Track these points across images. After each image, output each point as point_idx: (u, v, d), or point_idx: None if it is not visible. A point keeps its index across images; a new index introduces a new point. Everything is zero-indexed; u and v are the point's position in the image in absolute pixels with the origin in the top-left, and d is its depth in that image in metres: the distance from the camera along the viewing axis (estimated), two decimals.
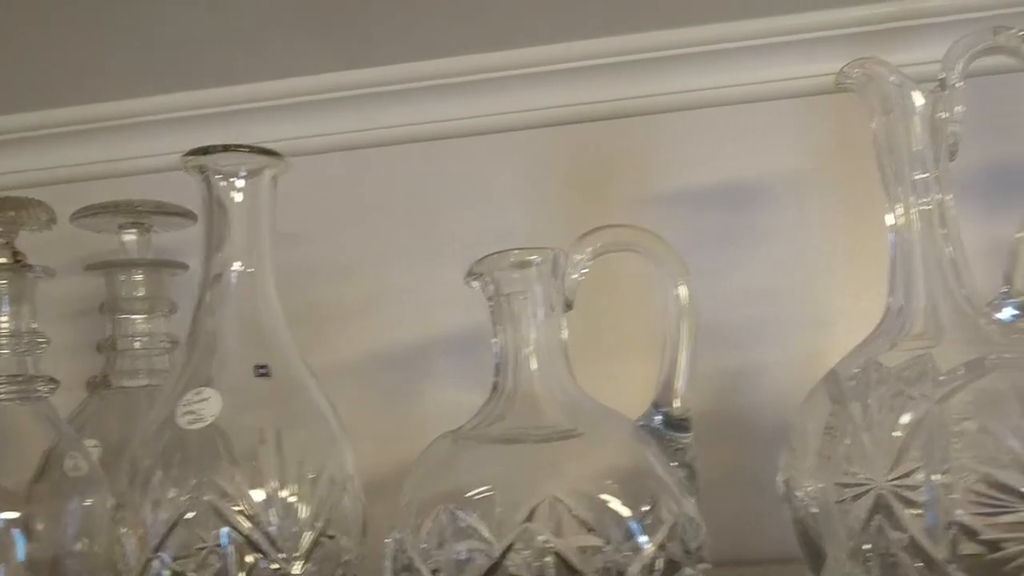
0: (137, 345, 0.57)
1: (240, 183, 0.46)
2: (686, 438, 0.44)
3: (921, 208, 0.44)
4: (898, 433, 0.38)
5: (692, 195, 0.70)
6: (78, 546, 0.47)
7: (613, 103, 0.70)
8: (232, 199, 0.46)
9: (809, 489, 0.42)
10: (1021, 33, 0.43)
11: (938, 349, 0.41)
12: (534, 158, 0.71)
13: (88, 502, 0.48)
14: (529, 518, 0.38)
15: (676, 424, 0.44)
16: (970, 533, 0.36)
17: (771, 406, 0.64)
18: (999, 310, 0.43)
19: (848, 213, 0.66)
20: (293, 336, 0.49)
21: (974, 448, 0.36)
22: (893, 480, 0.38)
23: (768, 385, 0.65)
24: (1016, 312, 0.42)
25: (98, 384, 0.57)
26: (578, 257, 0.45)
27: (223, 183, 0.46)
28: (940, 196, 0.44)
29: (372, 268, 0.70)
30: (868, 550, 0.39)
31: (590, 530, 0.38)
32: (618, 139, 0.71)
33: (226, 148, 0.45)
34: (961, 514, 0.36)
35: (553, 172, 0.70)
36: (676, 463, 0.43)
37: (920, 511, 0.37)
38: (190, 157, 0.45)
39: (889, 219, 0.45)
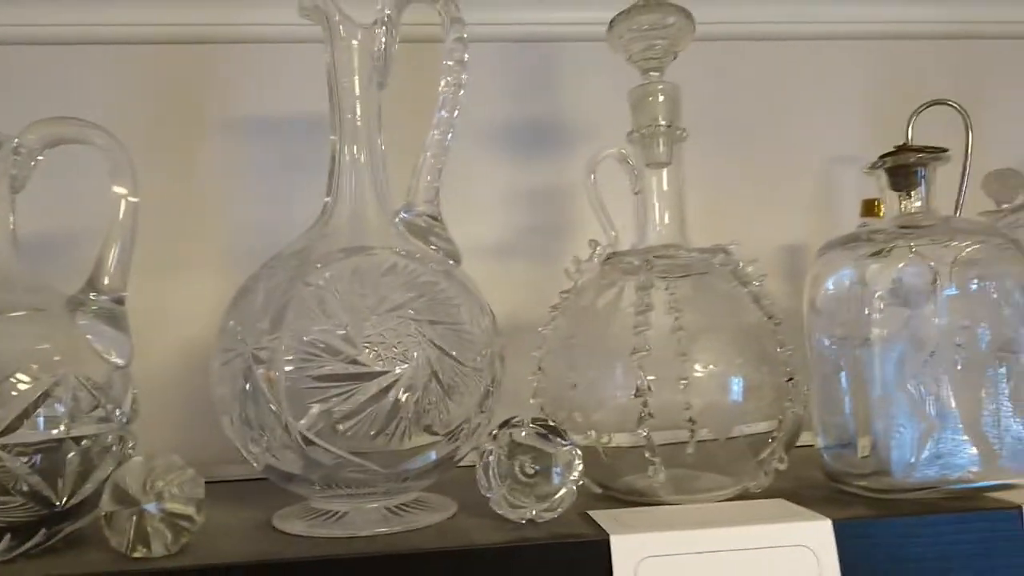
0: None
1: None
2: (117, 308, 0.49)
3: (356, 124, 0.52)
4: (264, 304, 0.45)
5: (272, 123, 0.75)
6: None
7: (201, 28, 0.73)
8: None
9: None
10: None
11: (334, 239, 0.49)
12: (121, 74, 0.73)
13: None
14: None
15: (116, 300, 0.49)
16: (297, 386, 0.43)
17: None
18: (399, 215, 0.52)
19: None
20: None
21: (304, 316, 0.44)
22: (254, 345, 0.45)
23: None
24: (406, 215, 0.51)
25: None
26: (27, 144, 0.48)
27: None
28: (369, 117, 0.52)
29: None
30: (245, 407, 0.46)
31: None
32: (206, 64, 0.75)
33: None
34: (289, 368, 0.43)
35: (137, 90, 0.73)
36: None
37: (268, 369, 0.44)
38: None
39: (332, 135, 0.52)
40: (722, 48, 0.80)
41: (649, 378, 0.46)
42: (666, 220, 0.54)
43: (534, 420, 0.46)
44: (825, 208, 0.79)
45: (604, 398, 0.48)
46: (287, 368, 0.43)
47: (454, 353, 0.45)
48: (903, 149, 0.52)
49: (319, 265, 0.46)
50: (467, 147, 0.76)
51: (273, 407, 0.43)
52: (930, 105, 0.67)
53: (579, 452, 0.46)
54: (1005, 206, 0.67)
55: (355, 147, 0.51)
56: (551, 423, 0.47)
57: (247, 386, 0.44)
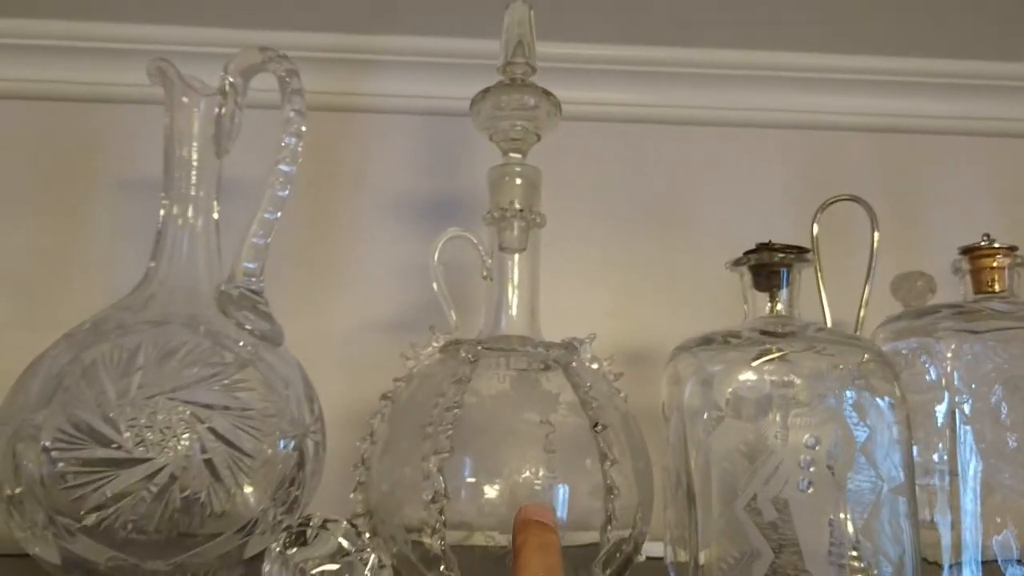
0: None
1: None
2: None
3: (191, 192, 0.50)
4: (44, 377, 0.43)
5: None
6: None
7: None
8: None
9: None
10: (280, 55, 0.50)
11: (144, 311, 0.46)
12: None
13: None
14: None
15: None
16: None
17: None
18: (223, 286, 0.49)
19: None
20: None
21: (73, 393, 0.41)
22: (21, 420, 0.42)
23: None
24: (225, 288, 0.48)
25: None
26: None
27: None
28: (206, 184, 0.50)
29: None
30: (12, 486, 0.42)
31: None
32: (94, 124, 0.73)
33: None
34: (47, 450, 0.40)
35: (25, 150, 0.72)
36: None
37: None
38: None
39: (164, 198, 0.50)
40: (641, 131, 0.78)
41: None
42: (515, 309, 0.51)
43: (325, 523, 0.42)
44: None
45: (408, 501, 0.44)
46: (45, 450, 0.40)
47: (236, 441, 0.42)
48: (765, 248, 0.49)
49: (107, 339, 0.43)
50: (372, 220, 0.74)
51: (36, 490, 0.40)
52: (834, 201, 0.64)
53: (384, 562, 0.42)
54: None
55: (188, 213, 0.49)
56: (350, 526, 0.42)
57: (12, 465, 0.41)
